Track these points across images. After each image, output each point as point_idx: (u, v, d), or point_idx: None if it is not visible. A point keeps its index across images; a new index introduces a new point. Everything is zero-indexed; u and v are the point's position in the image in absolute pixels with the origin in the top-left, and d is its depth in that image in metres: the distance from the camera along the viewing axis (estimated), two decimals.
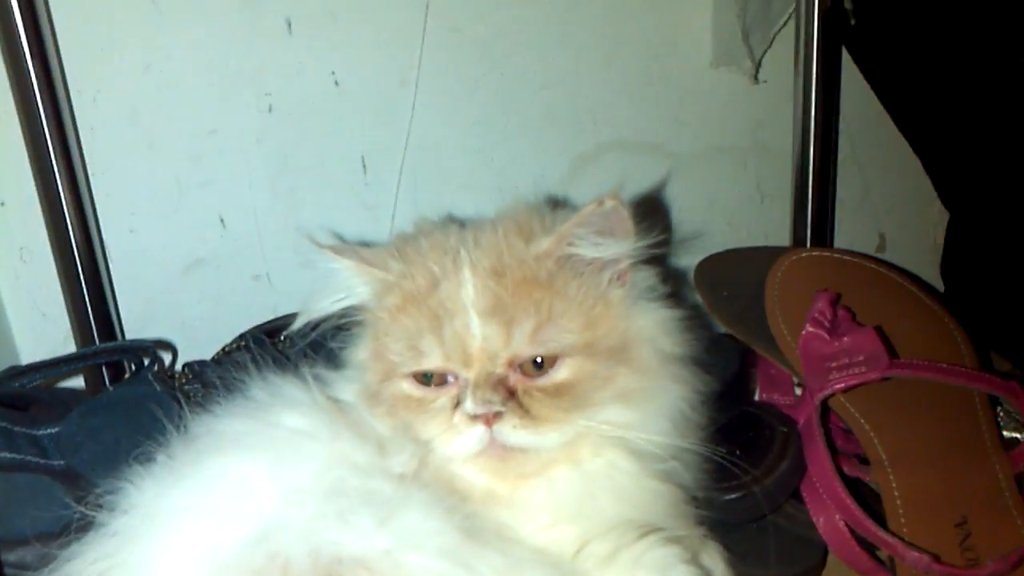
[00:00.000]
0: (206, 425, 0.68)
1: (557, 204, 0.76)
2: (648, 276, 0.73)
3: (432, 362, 0.68)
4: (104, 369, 0.94)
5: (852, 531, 0.78)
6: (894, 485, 0.80)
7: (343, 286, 0.73)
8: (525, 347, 0.66)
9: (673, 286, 0.75)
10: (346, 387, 0.74)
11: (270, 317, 1.02)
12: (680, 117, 1.14)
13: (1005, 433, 0.86)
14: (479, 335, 0.67)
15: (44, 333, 1.04)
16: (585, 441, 0.68)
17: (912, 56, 1.06)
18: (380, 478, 0.65)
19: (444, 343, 0.67)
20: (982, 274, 1.10)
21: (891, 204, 1.25)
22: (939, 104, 1.06)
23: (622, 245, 0.69)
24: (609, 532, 0.67)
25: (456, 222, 0.78)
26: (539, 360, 0.67)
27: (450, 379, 0.68)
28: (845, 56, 1.11)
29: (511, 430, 0.66)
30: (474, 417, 0.66)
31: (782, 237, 1.17)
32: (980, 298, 1.09)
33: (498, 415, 0.65)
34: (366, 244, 0.81)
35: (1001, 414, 0.86)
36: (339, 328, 0.78)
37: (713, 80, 1.12)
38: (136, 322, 1.04)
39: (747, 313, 0.94)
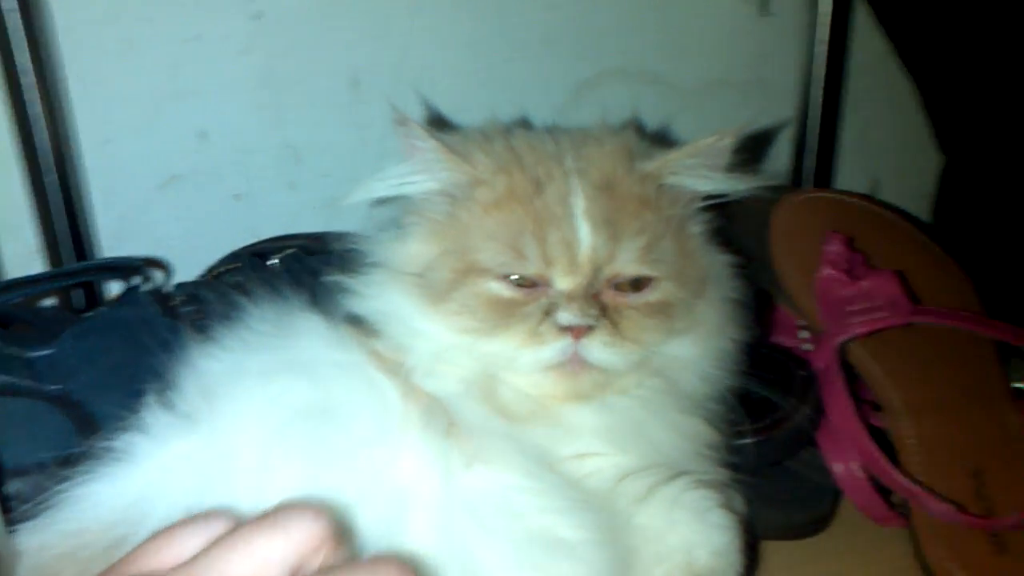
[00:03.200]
0: (219, 359, 0.63)
1: (642, 133, 0.74)
2: (710, 220, 0.72)
3: (532, 267, 0.64)
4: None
5: (869, 477, 0.77)
6: (908, 433, 0.79)
7: (425, 169, 0.68)
8: (630, 264, 0.65)
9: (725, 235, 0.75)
10: (383, 288, 0.68)
11: (250, 239, 0.96)
12: (685, 47, 1.09)
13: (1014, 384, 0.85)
14: (587, 245, 0.64)
15: (6, 248, 0.96)
16: (639, 370, 0.67)
17: None
18: None
19: (547, 248, 0.64)
20: (975, 222, 1.09)
21: (885, 148, 1.23)
22: (949, 41, 1.04)
23: (722, 183, 0.69)
24: (644, 470, 0.65)
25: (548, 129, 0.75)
26: (635, 280, 0.66)
27: (539, 286, 0.65)
28: None
29: (599, 346, 0.63)
30: (564, 328, 0.63)
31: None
32: (972, 246, 1.09)
33: (589, 329, 0.63)
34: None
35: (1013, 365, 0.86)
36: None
37: (721, 10, 1.08)
38: (108, 240, 0.97)
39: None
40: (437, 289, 0.66)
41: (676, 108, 1.11)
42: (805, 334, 0.90)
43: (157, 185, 0.98)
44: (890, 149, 1.23)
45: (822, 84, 1.07)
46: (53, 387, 0.64)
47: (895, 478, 0.74)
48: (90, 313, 0.74)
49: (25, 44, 0.83)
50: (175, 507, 0.56)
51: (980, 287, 0.89)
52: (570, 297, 0.64)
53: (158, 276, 0.81)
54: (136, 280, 0.78)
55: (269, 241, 0.90)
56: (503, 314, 0.64)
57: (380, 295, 0.68)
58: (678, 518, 0.63)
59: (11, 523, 0.54)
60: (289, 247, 0.86)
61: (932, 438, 0.78)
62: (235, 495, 0.56)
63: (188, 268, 0.98)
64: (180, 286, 0.79)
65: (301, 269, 0.84)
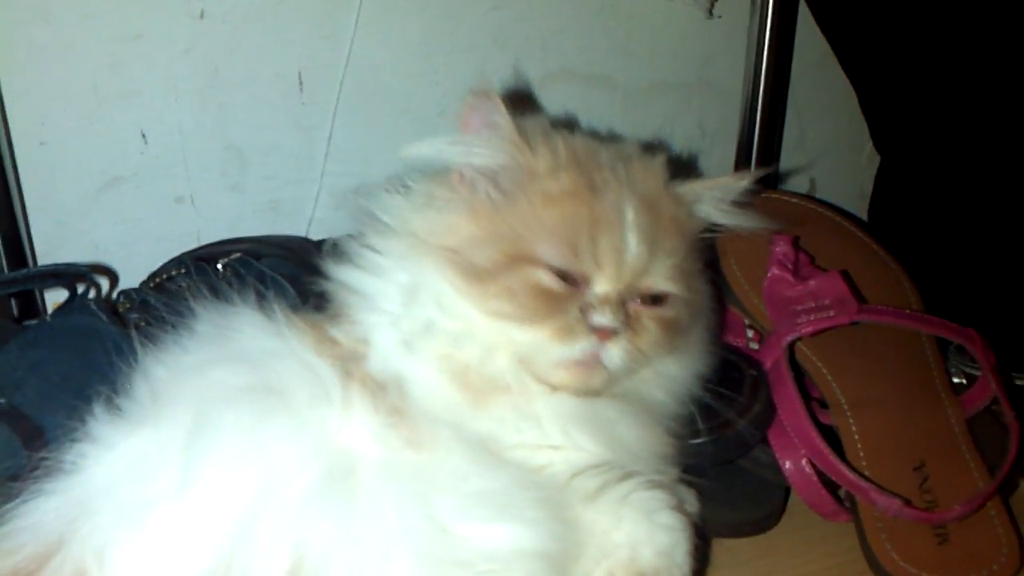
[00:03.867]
0: (164, 364, 0.63)
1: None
2: (702, 254, 0.76)
3: (583, 266, 0.66)
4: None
5: (817, 474, 0.78)
6: (854, 429, 0.80)
7: (490, 146, 0.67)
8: (661, 279, 0.69)
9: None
10: (410, 257, 0.68)
11: (193, 243, 0.95)
12: (630, 48, 1.10)
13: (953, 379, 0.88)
14: (633, 254, 0.67)
15: None
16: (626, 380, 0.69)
17: None
18: None
19: (598, 251, 0.66)
20: (912, 220, 1.12)
21: (823, 149, 1.25)
22: (887, 44, 1.06)
23: (731, 216, 0.74)
24: (595, 468, 0.66)
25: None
26: (658, 295, 0.69)
27: (579, 285, 0.66)
28: None
29: (618, 351, 0.66)
30: (595, 329, 0.65)
31: None
32: (909, 244, 1.11)
33: (614, 333, 0.65)
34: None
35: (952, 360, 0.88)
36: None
37: (666, 12, 1.09)
38: (45, 245, 0.95)
39: None
40: (479, 268, 0.66)
41: (621, 109, 1.12)
42: (750, 333, 0.92)
43: (96, 188, 0.96)
44: (829, 150, 1.26)
45: (766, 86, 1.08)
46: None
47: (842, 473, 0.76)
48: (35, 322, 0.71)
49: None
50: (116, 501, 0.56)
51: (918, 284, 0.92)
52: (605, 300, 0.66)
53: (103, 283, 0.79)
54: (81, 287, 0.76)
55: (214, 245, 0.88)
56: (543, 305, 0.65)
57: (403, 263, 0.68)
58: (625, 516, 0.64)
59: None
60: (234, 251, 0.84)
61: (876, 433, 0.80)
62: (175, 473, 0.57)
63: (128, 273, 0.96)
64: (125, 293, 0.77)
65: (247, 273, 0.82)
